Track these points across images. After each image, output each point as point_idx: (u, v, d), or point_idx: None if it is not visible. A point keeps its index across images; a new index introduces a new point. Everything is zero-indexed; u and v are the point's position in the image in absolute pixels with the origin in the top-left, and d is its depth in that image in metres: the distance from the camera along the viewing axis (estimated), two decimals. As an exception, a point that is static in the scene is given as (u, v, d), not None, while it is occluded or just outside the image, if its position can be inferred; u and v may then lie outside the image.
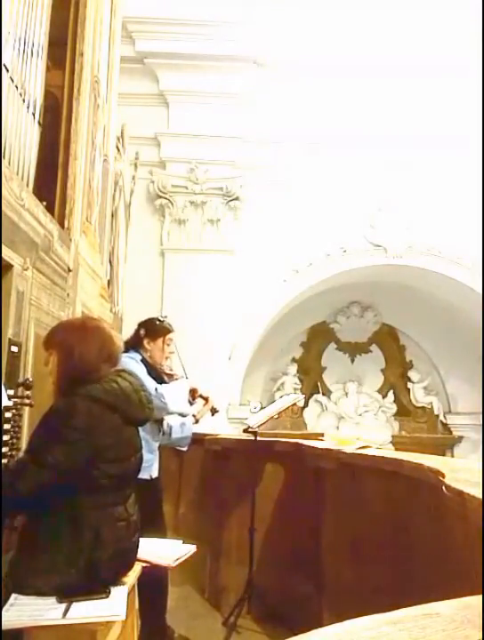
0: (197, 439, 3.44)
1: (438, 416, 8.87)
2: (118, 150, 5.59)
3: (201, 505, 4.15)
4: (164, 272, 7.00)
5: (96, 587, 1.62)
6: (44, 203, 2.70)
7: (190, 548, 2.15)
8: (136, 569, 1.84)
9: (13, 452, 2.06)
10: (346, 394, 8.88)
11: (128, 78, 5.98)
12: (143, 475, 2.23)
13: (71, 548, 1.61)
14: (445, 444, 8.73)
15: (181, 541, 2.23)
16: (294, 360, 8.94)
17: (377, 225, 7.33)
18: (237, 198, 7.15)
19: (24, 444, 2.04)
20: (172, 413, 2.79)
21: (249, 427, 3.32)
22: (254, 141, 7.13)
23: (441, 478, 1.59)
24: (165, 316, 3.00)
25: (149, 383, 2.54)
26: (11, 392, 2.09)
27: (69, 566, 1.60)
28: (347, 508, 2.68)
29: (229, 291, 6.94)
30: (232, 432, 5.94)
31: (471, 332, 7.90)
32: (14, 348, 2.23)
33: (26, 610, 1.51)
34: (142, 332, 2.87)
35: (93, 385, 1.72)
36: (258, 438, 3.31)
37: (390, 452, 2.92)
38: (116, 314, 5.24)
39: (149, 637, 2.48)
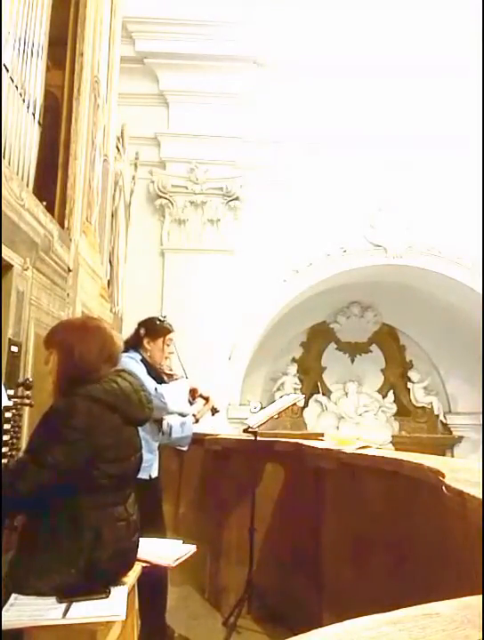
0: (197, 439, 3.44)
1: (438, 416, 8.87)
2: (118, 150, 5.59)
3: (201, 505, 4.15)
4: (164, 272, 7.01)
5: (96, 587, 1.62)
6: (44, 203, 2.70)
7: (190, 548, 2.15)
8: (136, 569, 1.84)
9: (13, 452, 2.06)
10: (346, 394, 8.88)
11: (128, 78, 5.98)
12: (143, 474, 2.23)
13: (71, 548, 1.61)
14: (445, 443, 8.73)
15: (181, 541, 2.23)
16: (294, 360, 8.94)
17: (377, 225, 7.33)
18: (237, 198, 7.15)
19: (24, 444, 2.04)
20: (172, 413, 2.79)
21: (249, 427, 3.32)
22: (254, 141, 7.13)
23: (441, 478, 1.59)
24: (165, 316, 2.99)
25: (149, 383, 2.54)
26: (11, 392, 2.09)
27: (69, 566, 1.60)
28: (347, 508, 2.68)
29: (229, 291, 6.94)
30: (232, 432, 5.94)
31: (471, 332, 7.90)
32: (14, 348, 2.23)
33: (26, 610, 1.51)
34: (142, 331, 2.87)
35: (93, 385, 1.72)
36: (258, 438, 3.31)
37: (390, 452, 2.92)
38: (116, 314, 5.24)
39: (149, 637, 2.48)
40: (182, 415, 2.87)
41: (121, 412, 1.74)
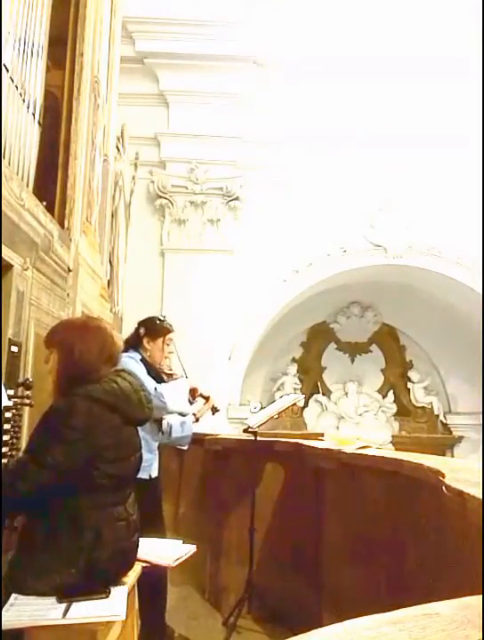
0: (197, 439, 3.44)
1: (438, 416, 8.87)
2: (118, 150, 5.59)
3: (201, 505, 4.15)
4: (164, 272, 7.00)
5: (96, 587, 1.62)
6: (44, 203, 2.70)
7: (190, 548, 2.15)
8: (136, 569, 1.84)
9: (13, 452, 2.06)
10: (346, 394, 8.88)
11: (128, 78, 5.97)
12: (143, 474, 2.23)
13: (71, 548, 1.61)
14: (445, 443, 8.72)
15: (181, 541, 2.23)
16: (294, 360, 8.94)
17: (377, 225, 7.33)
18: (237, 198, 7.15)
19: (24, 444, 2.04)
20: (171, 413, 2.79)
21: (249, 427, 3.32)
22: (254, 141, 7.13)
23: (441, 478, 1.59)
24: (164, 316, 2.99)
25: (149, 383, 2.54)
26: (11, 392, 2.09)
27: (69, 566, 1.60)
28: (347, 508, 2.68)
29: (229, 291, 6.94)
30: (232, 432, 5.94)
31: (471, 332, 7.90)
32: (14, 348, 2.23)
33: (26, 610, 1.50)
34: (142, 331, 2.86)
35: (93, 385, 1.72)
36: (258, 438, 3.31)
37: (390, 452, 2.92)
38: (116, 314, 5.24)
39: (149, 637, 2.48)
40: (182, 415, 2.87)
41: (121, 412, 1.74)
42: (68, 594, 1.57)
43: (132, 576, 1.78)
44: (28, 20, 2.37)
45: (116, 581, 1.70)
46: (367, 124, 7.08)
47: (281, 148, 7.13)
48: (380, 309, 8.97)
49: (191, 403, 2.92)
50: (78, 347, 1.76)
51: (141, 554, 1.86)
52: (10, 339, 2.21)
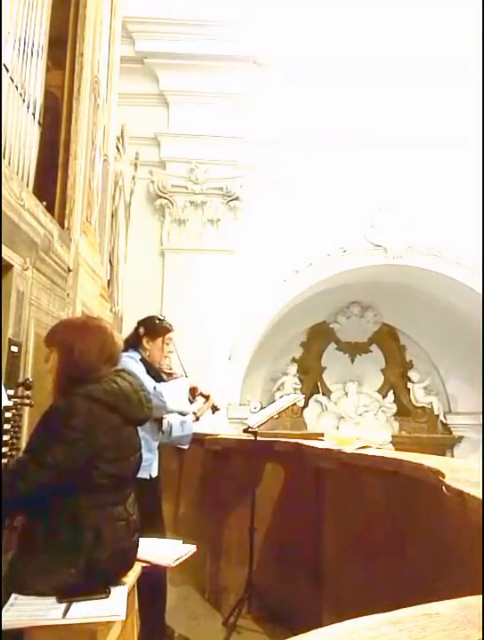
0: (198, 439, 3.44)
1: (438, 416, 8.87)
2: (118, 150, 5.59)
3: (201, 505, 4.15)
4: (164, 272, 7.00)
5: (96, 587, 1.62)
6: (44, 203, 2.70)
7: (190, 548, 2.15)
8: (136, 569, 1.84)
9: (13, 452, 2.06)
10: (346, 394, 8.88)
11: (128, 78, 5.98)
12: (143, 474, 2.23)
13: (71, 547, 1.61)
14: (445, 443, 8.73)
15: (181, 541, 2.23)
16: (294, 360, 8.94)
17: (377, 225, 7.33)
18: (237, 198, 7.15)
19: (24, 444, 2.04)
20: (171, 412, 2.79)
21: (249, 427, 3.32)
22: (254, 141, 7.13)
23: (441, 478, 1.59)
24: (163, 316, 2.99)
25: (148, 382, 2.54)
26: (11, 392, 2.09)
27: (69, 566, 1.60)
28: (347, 508, 2.67)
29: (229, 291, 6.94)
30: (232, 432, 5.94)
31: (471, 332, 7.90)
32: (14, 348, 2.23)
33: (26, 610, 1.50)
34: (142, 330, 2.86)
35: (93, 385, 1.72)
36: (258, 438, 3.31)
37: (390, 452, 2.91)
38: (116, 314, 5.24)
39: (149, 637, 2.49)
40: (182, 414, 2.87)
41: (121, 412, 1.74)
42: (68, 594, 1.57)
43: (132, 576, 1.78)
44: (28, 20, 2.37)
45: (116, 581, 1.70)
46: (367, 124, 7.08)
47: (281, 147, 7.13)
48: (380, 309, 8.97)
49: (191, 402, 2.92)
50: (78, 346, 1.76)
51: (141, 554, 1.86)
52: (10, 339, 2.21)
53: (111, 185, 4.94)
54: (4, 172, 2.06)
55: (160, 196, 7.13)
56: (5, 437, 2.03)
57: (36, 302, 2.56)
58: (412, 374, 9.02)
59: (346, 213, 7.20)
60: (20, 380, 2.22)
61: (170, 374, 2.94)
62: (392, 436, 8.79)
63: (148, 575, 1.93)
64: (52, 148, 3.20)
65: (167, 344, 2.89)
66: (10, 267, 2.23)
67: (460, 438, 8.70)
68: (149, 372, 2.73)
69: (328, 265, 7.27)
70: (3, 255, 2.09)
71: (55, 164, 3.24)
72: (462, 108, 7.12)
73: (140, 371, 2.58)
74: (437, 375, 9.00)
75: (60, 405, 1.69)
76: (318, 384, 8.97)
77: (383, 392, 9.06)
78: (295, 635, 0.60)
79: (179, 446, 3.23)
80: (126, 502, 1.77)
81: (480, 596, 0.70)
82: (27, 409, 2.22)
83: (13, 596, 1.56)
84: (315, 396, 8.87)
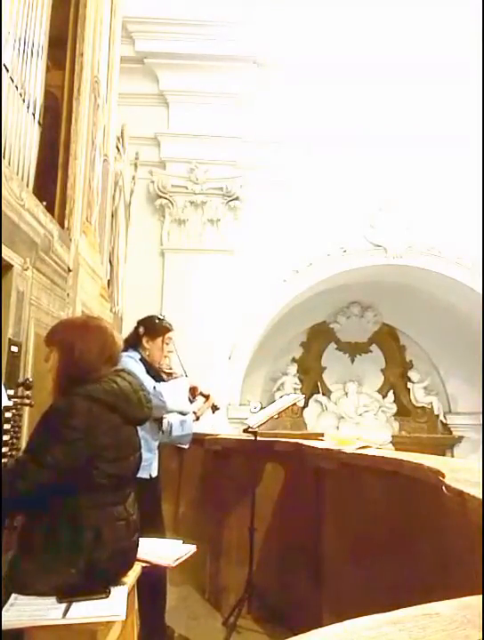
0: (198, 439, 3.44)
1: (438, 416, 8.87)
2: (118, 150, 5.59)
3: (201, 505, 4.15)
4: (164, 272, 7.00)
5: (96, 587, 1.62)
6: (44, 203, 2.70)
7: (190, 548, 2.15)
8: (136, 569, 1.84)
9: (13, 452, 2.06)
10: (346, 394, 8.88)
11: (128, 78, 5.98)
12: (142, 474, 2.23)
13: (71, 547, 1.61)
14: (445, 443, 8.73)
15: (181, 541, 2.23)
16: (294, 360, 8.94)
17: (377, 225, 7.33)
18: (237, 198, 7.15)
19: (24, 444, 2.04)
20: (171, 412, 2.78)
21: (249, 427, 3.32)
22: (254, 141, 7.13)
23: (441, 478, 1.59)
24: (163, 316, 2.99)
25: (147, 382, 2.54)
26: (11, 392, 2.09)
27: (69, 566, 1.60)
28: (347, 508, 2.67)
29: (229, 291, 6.94)
30: (232, 432, 5.94)
31: (471, 332, 7.90)
32: (14, 348, 2.23)
33: (26, 610, 1.50)
34: (141, 330, 2.86)
35: (93, 385, 1.72)
36: (258, 438, 3.31)
37: (390, 452, 2.91)
38: (116, 314, 5.24)
39: (149, 637, 2.49)
40: (182, 414, 2.87)
41: (121, 412, 1.74)
42: (68, 594, 1.57)
43: (132, 576, 1.78)
44: (28, 20, 2.37)
45: (116, 581, 1.70)
46: (367, 124, 7.08)
47: (281, 147, 7.13)
48: (380, 309, 8.97)
49: (191, 401, 2.92)
50: (79, 346, 1.76)
51: (141, 554, 1.86)
52: (10, 339, 2.21)
53: (111, 185, 4.95)
54: (4, 172, 2.06)
55: (160, 196, 7.13)
56: (5, 437, 2.03)
57: (36, 302, 2.56)
58: (412, 374, 9.02)
59: (346, 213, 7.20)
60: (20, 380, 2.22)
61: (170, 374, 2.94)
62: (392, 436, 8.79)
63: (148, 575, 1.93)
64: (52, 148, 3.20)
65: (167, 343, 2.88)
66: (10, 267, 2.23)
67: (460, 438, 8.70)
68: (148, 372, 2.73)
69: (328, 265, 7.27)
70: (3, 255, 2.09)
71: (55, 164, 3.24)
72: (462, 108, 7.12)
73: (139, 370, 2.58)
74: (437, 375, 9.00)
75: (60, 405, 1.69)
76: (318, 384, 8.97)
77: (383, 392, 9.05)
78: (295, 635, 0.60)
79: (179, 446, 3.23)
80: (126, 502, 1.77)
81: (480, 596, 0.70)
82: (27, 409, 2.22)
83: (13, 595, 1.56)
84: (315, 395, 8.87)
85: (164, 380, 2.83)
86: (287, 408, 3.72)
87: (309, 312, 8.31)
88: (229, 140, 7.12)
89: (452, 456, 8.23)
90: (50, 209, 2.91)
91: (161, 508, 2.92)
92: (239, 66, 7.04)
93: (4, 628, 1.41)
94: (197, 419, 3.02)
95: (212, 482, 3.98)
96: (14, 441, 2.09)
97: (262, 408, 3.67)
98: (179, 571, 2.29)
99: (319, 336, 9.11)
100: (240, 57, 6.96)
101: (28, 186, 2.38)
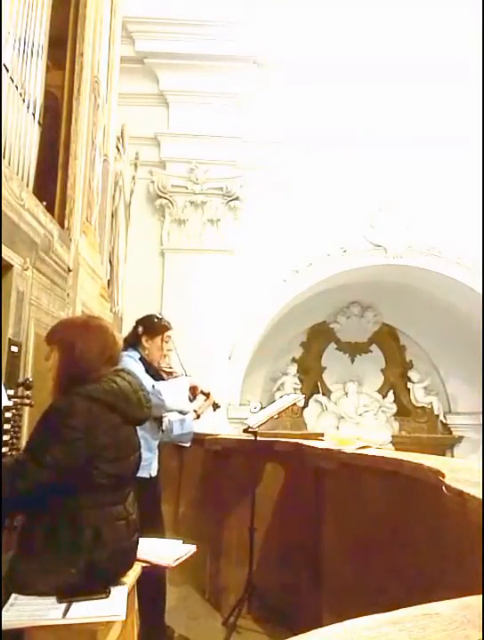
0: (198, 439, 3.44)
1: (438, 416, 8.87)
2: (118, 150, 5.59)
3: (201, 505, 4.15)
4: (164, 272, 7.00)
5: (96, 586, 1.62)
6: (44, 203, 2.70)
7: (190, 548, 2.15)
8: (136, 569, 1.84)
9: (13, 452, 2.06)
10: (346, 394, 8.88)
11: (128, 78, 5.98)
12: (142, 473, 2.23)
13: (71, 547, 1.61)
14: (445, 443, 8.73)
15: (181, 541, 2.23)
16: (294, 360, 8.94)
17: (377, 225, 7.33)
18: (237, 198, 7.15)
19: (24, 444, 2.04)
20: (170, 411, 2.78)
21: (249, 427, 3.32)
22: (254, 141, 7.13)
23: (441, 478, 1.59)
24: (162, 315, 2.99)
25: (146, 381, 2.54)
26: (11, 392, 2.09)
27: (69, 566, 1.60)
28: (347, 508, 2.67)
29: (229, 291, 6.94)
30: (232, 432, 5.94)
31: (472, 332, 7.90)
32: (14, 348, 2.23)
33: (26, 610, 1.50)
34: (140, 329, 2.86)
35: (93, 384, 1.72)
36: (258, 438, 3.31)
37: (390, 452, 2.91)
38: (116, 314, 5.24)
39: (149, 637, 2.49)
40: (182, 413, 2.87)
41: (120, 412, 1.74)
42: (68, 594, 1.57)
43: (131, 576, 1.78)
44: (28, 20, 2.37)
45: (116, 581, 1.70)
46: (367, 124, 7.08)
47: (281, 147, 7.13)
48: (380, 309, 8.97)
49: (192, 400, 2.92)
50: (80, 345, 1.76)
51: (141, 554, 1.86)
52: (10, 339, 2.21)
53: (111, 185, 4.94)
54: (4, 172, 2.06)
55: (160, 196, 7.13)
56: (5, 437, 2.03)
57: (36, 302, 2.56)
58: (412, 374, 9.02)
59: (346, 213, 7.20)
60: (20, 380, 2.22)
61: (170, 373, 2.93)
62: (392, 436, 8.79)
63: (148, 575, 1.93)
64: (52, 148, 3.20)
65: (166, 342, 2.88)
66: (10, 267, 2.23)
67: (460, 438, 8.70)
68: (147, 371, 2.73)
69: (328, 265, 7.27)
70: (3, 255, 2.09)
71: (55, 164, 3.24)
72: (462, 108, 7.12)
73: (138, 370, 2.58)
74: (437, 375, 9.00)
75: (59, 405, 1.69)
76: (318, 384, 8.97)
77: (383, 392, 9.05)
78: (295, 635, 0.60)
79: (180, 444, 3.23)
80: (126, 502, 1.77)
81: (480, 596, 0.70)
82: (27, 409, 2.22)
83: (13, 595, 1.56)
84: (315, 395, 8.87)
85: (163, 379, 2.83)
86: (287, 408, 3.72)
87: (309, 312, 8.31)
88: (229, 140, 7.12)
89: (452, 456, 8.23)
90: (50, 209, 2.91)
91: (161, 507, 2.93)
92: (239, 66, 7.04)
93: (4, 627, 1.41)
94: (198, 417, 3.02)
95: (212, 482, 3.98)
96: (14, 441, 2.09)
97: (262, 408, 3.68)
98: (179, 571, 2.29)
99: (319, 336, 9.11)
100: (240, 57, 6.96)
101: (28, 186, 2.38)
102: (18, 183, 2.25)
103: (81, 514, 1.63)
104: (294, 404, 6.31)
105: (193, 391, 2.92)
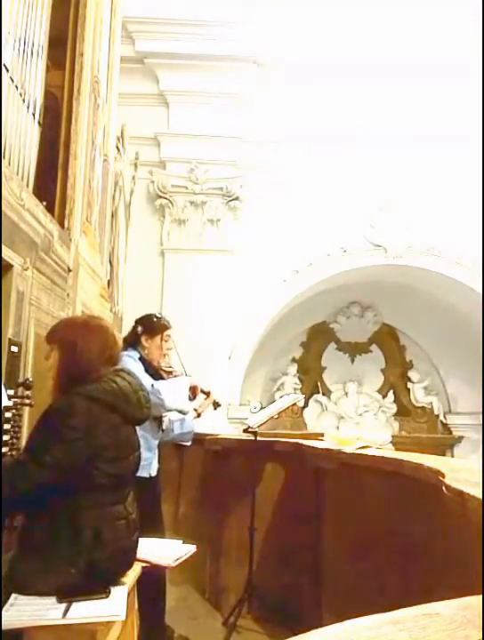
0: (198, 439, 3.44)
1: (438, 416, 8.86)
2: (118, 150, 5.59)
3: (201, 505, 4.15)
4: (164, 272, 7.00)
5: (96, 586, 1.62)
6: (44, 203, 2.69)
7: (190, 548, 2.15)
8: (136, 569, 1.84)
9: (13, 452, 2.06)
10: (346, 394, 8.88)
11: (128, 78, 5.97)
12: (142, 473, 2.23)
13: (71, 547, 1.61)
14: (445, 443, 8.72)
15: (181, 541, 2.23)
16: (294, 360, 8.94)
17: (377, 225, 7.32)
18: (237, 198, 7.15)
19: (24, 444, 2.04)
20: (170, 410, 2.78)
21: (249, 427, 3.32)
22: (254, 141, 7.12)
23: (441, 478, 1.59)
24: (161, 314, 2.99)
25: (146, 380, 2.54)
26: (11, 392, 2.09)
27: (69, 566, 1.60)
28: (347, 508, 2.67)
29: (229, 291, 6.94)
30: (232, 432, 5.94)
31: (472, 332, 7.90)
32: (14, 348, 2.23)
33: (26, 610, 1.50)
34: (140, 329, 2.86)
35: (93, 384, 1.72)
36: (258, 438, 3.31)
37: (390, 452, 2.91)
38: (116, 314, 5.24)
39: (149, 637, 2.49)
40: (182, 412, 2.86)
41: (120, 412, 1.74)
42: (68, 594, 1.57)
43: (131, 576, 1.78)
44: (28, 20, 2.37)
45: (116, 581, 1.70)
46: (367, 124, 7.08)
47: (281, 147, 7.13)
48: (380, 309, 8.97)
49: (192, 400, 2.92)
50: (80, 345, 1.76)
51: (140, 554, 1.86)
52: (10, 339, 2.21)
53: (111, 185, 4.94)
54: (4, 172, 2.06)
55: (160, 196, 7.13)
56: (5, 437, 2.03)
57: (36, 302, 2.56)
58: (412, 374, 9.02)
59: (346, 213, 7.19)
60: (20, 380, 2.22)
61: (169, 372, 2.93)
62: (392, 436, 8.78)
63: (148, 575, 1.93)
64: (52, 148, 3.20)
65: (166, 341, 2.88)
66: (10, 267, 2.23)
67: (460, 438, 8.69)
68: (147, 371, 2.72)
69: (328, 265, 7.27)
70: (3, 255, 2.09)
71: (55, 164, 3.24)
72: (462, 108, 7.11)
73: (138, 369, 2.58)
74: (437, 375, 8.99)
75: (59, 405, 1.69)
76: (318, 384, 8.96)
77: (383, 392, 9.05)
78: (295, 635, 0.60)
79: (181, 443, 3.23)
80: (126, 501, 1.77)
81: (480, 596, 0.70)
82: (27, 409, 2.21)
83: (13, 595, 1.56)
84: (315, 395, 8.87)
85: (163, 379, 2.83)
86: (287, 408, 3.72)
87: (309, 312, 8.31)
88: (229, 140, 7.12)
89: (452, 456, 8.22)
90: (50, 209, 2.91)
91: (161, 507, 2.92)
92: (239, 66, 7.04)
93: (4, 628, 1.41)
94: (199, 415, 3.02)
95: (212, 482, 3.98)
96: (14, 441, 2.09)
97: (262, 408, 3.68)
98: (179, 571, 2.29)
99: (319, 336, 9.11)
100: (240, 57, 6.95)
101: (28, 186, 2.38)
102: (18, 183, 2.25)
103: (81, 514, 1.63)
104: (294, 404, 6.31)
105: (193, 391, 2.92)
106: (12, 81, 2.20)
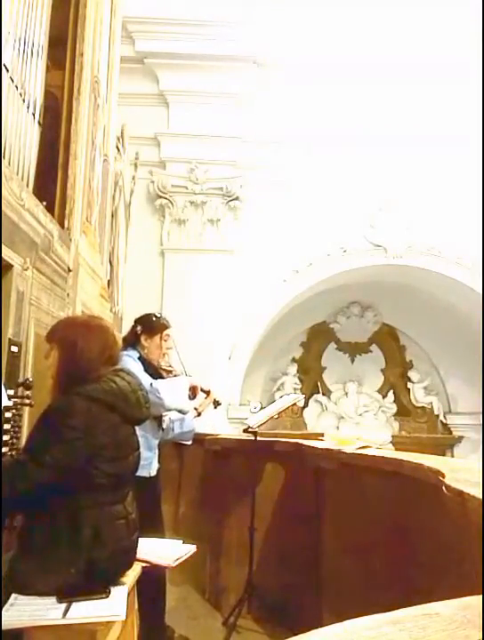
0: (198, 439, 3.44)
1: (438, 416, 8.86)
2: (118, 150, 5.59)
3: (201, 505, 4.15)
4: (164, 272, 7.00)
5: (96, 586, 1.62)
6: (44, 203, 2.69)
7: (190, 548, 2.15)
8: (136, 569, 1.84)
9: (13, 452, 2.06)
10: (346, 394, 8.88)
11: (128, 78, 5.97)
12: (142, 472, 2.23)
13: (70, 547, 1.61)
14: (445, 443, 8.72)
15: (181, 541, 2.23)
16: (294, 360, 8.94)
17: (377, 225, 7.32)
18: (237, 198, 7.15)
19: (23, 444, 2.04)
20: (169, 409, 2.78)
21: (249, 427, 3.32)
22: (254, 141, 7.12)
23: (441, 478, 1.59)
24: (160, 314, 2.99)
25: (145, 379, 2.54)
26: (11, 392, 2.09)
27: (69, 566, 1.60)
28: (347, 508, 2.67)
29: (229, 291, 6.94)
30: (232, 432, 5.94)
31: (472, 332, 7.90)
32: (14, 348, 2.23)
33: (26, 610, 1.50)
34: (139, 328, 2.86)
35: (92, 384, 1.72)
36: (258, 438, 3.31)
37: (390, 452, 2.91)
38: (116, 314, 5.24)
39: (149, 637, 2.49)
40: (181, 412, 2.86)
41: (120, 412, 1.74)
42: (68, 594, 1.57)
43: (131, 576, 1.78)
44: (28, 20, 2.37)
45: (116, 581, 1.70)
46: (367, 124, 7.08)
47: (281, 147, 7.13)
48: (380, 309, 8.97)
49: (192, 399, 2.91)
50: (80, 344, 1.76)
51: (140, 554, 1.86)
52: (10, 339, 2.20)
53: (111, 185, 4.94)
54: (4, 172, 2.06)
55: (160, 196, 7.13)
56: (5, 437, 2.03)
57: (36, 302, 2.56)
58: (412, 374, 9.02)
59: (346, 213, 7.19)
60: (20, 379, 2.22)
61: (169, 371, 2.93)
62: (392, 436, 8.78)
63: (148, 575, 1.93)
64: (52, 148, 3.20)
65: (165, 341, 2.88)
66: (10, 267, 2.23)
67: (460, 438, 8.69)
68: (146, 370, 2.72)
69: (328, 265, 7.27)
70: (3, 255, 2.09)
71: (55, 164, 3.24)
72: (462, 108, 7.11)
73: (137, 369, 2.58)
74: (437, 375, 9.00)
75: (59, 405, 1.69)
76: (318, 384, 8.96)
77: (383, 392, 9.05)
78: (295, 635, 0.60)
79: (181, 442, 3.23)
80: (126, 501, 1.77)
81: (480, 596, 0.70)
82: (27, 409, 2.21)
83: (13, 595, 1.56)
84: (315, 395, 8.87)
85: (162, 378, 2.83)
86: (287, 408, 3.72)
87: (309, 312, 8.31)
88: (229, 140, 7.12)
89: (452, 456, 8.22)
90: (50, 209, 2.91)
91: (160, 507, 2.92)
92: (239, 66, 7.04)
93: (4, 628, 1.41)
94: (199, 414, 3.02)
95: (212, 482, 3.98)
96: (14, 441, 2.09)
97: (262, 408, 3.68)
98: (179, 571, 2.29)
99: (319, 336, 9.11)
100: (240, 57, 6.95)
101: (28, 186, 2.38)
102: (18, 183, 2.25)
103: (81, 513, 1.63)
104: (294, 404, 6.31)
105: (193, 391, 2.92)
106: (12, 81, 2.20)
